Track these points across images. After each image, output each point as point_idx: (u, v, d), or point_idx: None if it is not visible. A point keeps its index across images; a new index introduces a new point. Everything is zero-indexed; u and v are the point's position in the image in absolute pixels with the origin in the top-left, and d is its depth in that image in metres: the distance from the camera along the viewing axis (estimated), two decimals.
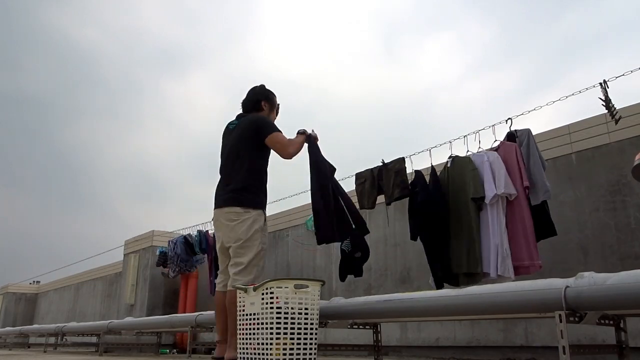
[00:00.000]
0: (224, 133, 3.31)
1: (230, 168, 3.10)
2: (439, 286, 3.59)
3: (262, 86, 3.36)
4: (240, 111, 3.36)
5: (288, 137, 3.20)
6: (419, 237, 3.78)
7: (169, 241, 7.26)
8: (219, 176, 3.24)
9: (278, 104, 3.42)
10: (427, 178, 3.85)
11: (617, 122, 3.09)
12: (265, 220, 3.11)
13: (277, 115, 3.42)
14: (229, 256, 3.08)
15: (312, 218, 3.53)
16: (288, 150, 3.12)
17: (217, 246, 3.19)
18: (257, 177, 3.11)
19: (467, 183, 3.51)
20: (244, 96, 3.33)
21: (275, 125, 3.15)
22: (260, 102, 3.27)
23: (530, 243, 3.25)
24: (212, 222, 3.19)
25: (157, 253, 7.39)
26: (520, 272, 3.25)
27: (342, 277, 4.17)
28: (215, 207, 3.13)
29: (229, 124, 3.29)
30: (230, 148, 3.14)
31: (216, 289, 3.21)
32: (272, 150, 3.18)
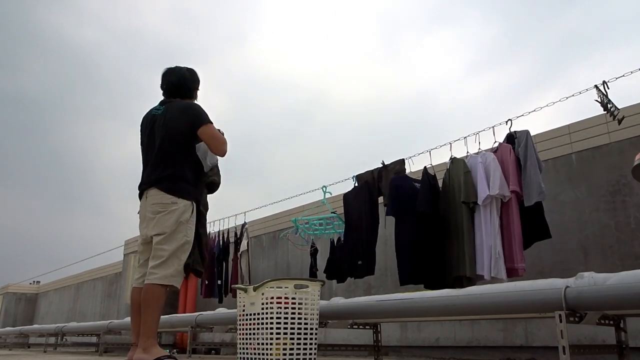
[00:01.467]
0: (146, 120, 2.99)
1: (158, 159, 2.82)
2: (406, 283, 3.62)
3: (194, 71, 3.08)
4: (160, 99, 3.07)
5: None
6: (395, 239, 3.77)
7: None
8: (143, 168, 2.94)
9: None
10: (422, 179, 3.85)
11: (620, 122, 3.08)
12: (193, 211, 2.83)
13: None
14: (150, 250, 2.82)
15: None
16: (223, 148, 2.90)
17: (140, 239, 2.93)
18: (193, 168, 2.90)
19: (460, 186, 3.53)
20: (168, 76, 3.00)
21: (208, 116, 2.89)
22: (192, 90, 3.04)
23: (520, 245, 3.26)
24: (138, 213, 2.92)
25: None
26: (513, 274, 3.25)
27: (330, 276, 4.26)
28: (140, 197, 2.89)
29: (153, 109, 2.99)
30: (158, 137, 2.84)
31: (134, 285, 2.87)
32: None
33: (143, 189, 2.85)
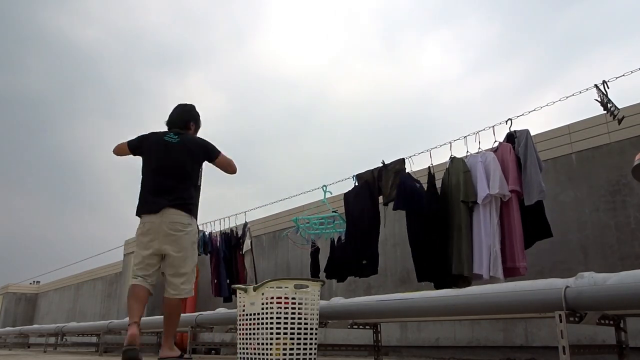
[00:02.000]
0: (157, 143, 3.35)
1: (176, 182, 3.23)
2: (422, 280, 3.64)
3: (193, 107, 3.59)
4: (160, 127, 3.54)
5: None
6: (409, 240, 3.81)
7: None
8: (150, 183, 3.28)
9: (200, 125, 3.67)
10: (427, 179, 3.86)
11: (620, 122, 3.08)
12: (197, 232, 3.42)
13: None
14: (159, 262, 3.23)
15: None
16: (234, 168, 3.49)
17: (148, 252, 3.20)
18: (198, 194, 3.39)
19: (459, 185, 3.53)
20: (172, 111, 3.51)
21: (217, 147, 3.46)
22: (189, 122, 3.50)
23: (521, 244, 3.26)
24: (145, 226, 3.21)
25: None
26: (513, 273, 3.26)
27: (330, 276, 4.27)
28: (155, 212, 3.16)
29: (165, 136, 3.37)
30: (177, 164, 3.27)
31: (138, 282, 3.17)
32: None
33: (162, 206, 3.16)
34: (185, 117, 3.49)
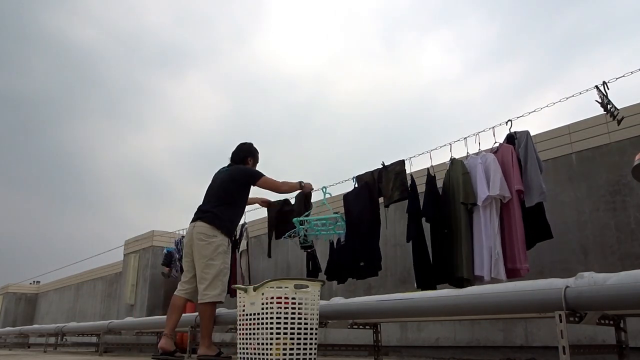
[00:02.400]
0: (215, 174, 4.01)
1: (214, 198, 3.78)
2: (422, 288, 3.62)
3: (251, 145, 4.09)
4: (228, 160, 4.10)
5: (278, 179, 3.96)
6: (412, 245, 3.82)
7: (175, 241, 7.24)
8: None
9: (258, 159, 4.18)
10: (426, 180, 3.86)
11: (619, 122, 3.08)
12: (229, 245, 3.73)
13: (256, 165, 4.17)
14: (194, 267, 3.69)
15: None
16: (284, 188, 3.95)
17: (185, 258, 3.80)
18: (232, 210, 3.79)
19: (459, 187, 3.53)
20: (234, 149, 4.06)
21: (260, 172, 3.91)
22: (246, 158, 4.02)
23: (522, 246, 3.26)
24: (186, 235, 3.82)
25: (164, 252, 7.38)
26: (515, 274, 3.25)
27: (330, 277, 4.26)
28: (191, 222, 3.76)
29: (222, 168, 4.03)
30: (219, 185, 3.84)
31: (176, 292, 3.79)
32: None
33: (194, 218, 3.74)
34: (241, 155, 4.02)
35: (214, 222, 3.65)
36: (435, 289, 3.59)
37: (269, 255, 5.48)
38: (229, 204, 3.77)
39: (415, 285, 3.71)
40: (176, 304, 3.77)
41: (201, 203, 3.87)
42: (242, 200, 3.91)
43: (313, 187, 4.26)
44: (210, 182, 3.98)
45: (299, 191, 4.23)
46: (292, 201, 4.86)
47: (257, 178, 3.87)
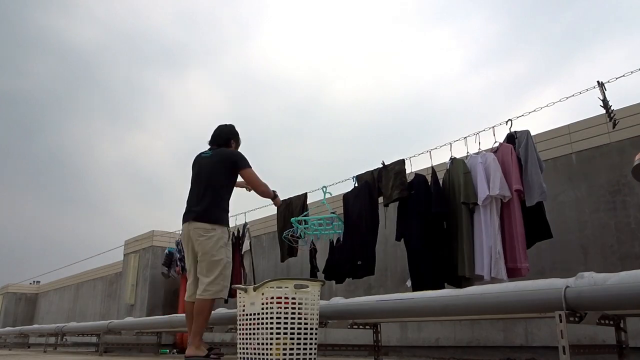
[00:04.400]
0: (195, 160, 3.78)
1: (204, 189, 3.56)
2: (416, 289, 3.61)
3: (232, 126, 3.89)
4: (207, 145, 3.86)
5: (260, 178, 3.76)
6: (402, 240, 3.83)
7: (176, 241, 7.25)
8: (188, 197, 3.69)
9: (240, 142, 3.98)
10: (428, 179, 3.86)
11: (614, 125, 3.10)
12: (229, 237, 3.56)
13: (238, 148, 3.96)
14: (196, 268, 3.53)
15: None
16: (260, 189, 3.77)
17: (187, 257, 3.61)
18: (224, 198, 3.61)
19: (460, 186, 3.53)
20: (214, 131, 3.84)
21: (248, 162, 3.70)
22: (230, 140, 3.81)
23: (522, 245, 3.26)
24: (182, 235, 3.63)
25: (166, 252, 7.38)
26: (515, 274, 3.25)
27: (328, 277, 4.27)
28: (184, 222, 3.57)
29: (201, 153, 3.77)
30: (205, 173, 3.61)
31: (186, 298, 3.61)
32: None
33: (188, 217, 3.54)
34: (224, 137, 3.79)
35: (210, 218, 3.47)
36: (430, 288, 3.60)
37: (283, 259, 5.26)
38: (220, 193, 3.57)
39: (411, 288, 3.70)
40: (190, 310, 3.56)
41: (189, 196, 3.66)
42: (232, 186, 3.71)
43: (281, 204, 4.23)
44: (193, 171, 3.75)
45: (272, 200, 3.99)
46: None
47: (244, 165, 3.67)
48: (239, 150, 3.91)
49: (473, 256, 3.40)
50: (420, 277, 3.66)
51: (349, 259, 4.15)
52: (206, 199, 3.52)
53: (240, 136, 3.95)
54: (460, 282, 3.46)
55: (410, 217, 3.79)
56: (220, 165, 3.62)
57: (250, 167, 3.68)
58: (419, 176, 3.91)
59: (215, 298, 3.42)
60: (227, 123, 3.92)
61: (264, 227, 6.74)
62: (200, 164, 3.70)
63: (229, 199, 3.66)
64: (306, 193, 5.01)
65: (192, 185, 3.69)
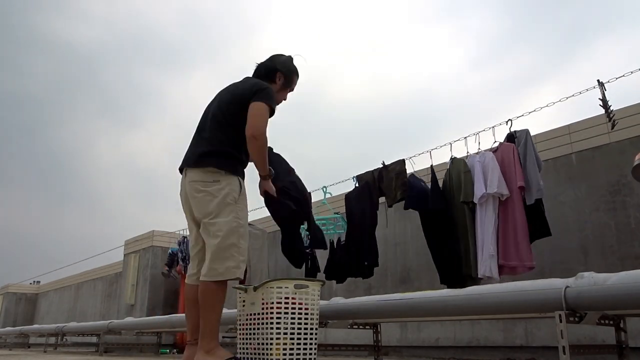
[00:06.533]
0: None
1: (208, 124, 2.51)
2: (446, 283, 3.62)
3: (291, 58, 2.74)
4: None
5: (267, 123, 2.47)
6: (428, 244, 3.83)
7: (178, 241, 7.24)
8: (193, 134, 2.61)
9: (292, 88, 2.78)
10: (428, 178, 3.87)
11: (613, 126, 3.10)
12: (242, 187, 2.47)
13: (284, 99, 2.79)
14: (199, 236, 2.46)
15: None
16: (251, 132, 2.39)
17: (191, 230, 2.56)
18: (237, 134, 2.45)
19: (460, 185, 3.54)
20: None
21: (271, 97, 2.48)
22: (275, 72, 2.67)
23: (522, 243, 3.26)
24: (180, 190, 2.56)
25: (169, 252, 7.37)
26: (509, 272, 3.25)
27: (329, 277, 4.27)
28: (180, 171, 2.55)
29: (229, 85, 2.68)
30: (215, 107, 2.54)
31: (186, 280, 2.57)
32: None
33: (184, 164, 2.51)
34: (270, 65, 2.67)
35: (211, 161, 2.39)
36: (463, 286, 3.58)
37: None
38: (226, 132, 2.45)
39: (440, 280, 3.68)
40: (190, 297, 2.49)
41: (191, 140, 2.58)
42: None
43: (274, 195, 2.79)
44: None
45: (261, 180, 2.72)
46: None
47: (260, 98, 2.42)
48: (287, 93, 2.76)
49: (476, 255, 3.39)
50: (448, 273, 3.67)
51: (354, 260, 4.14)
52: (208, 135, 2.47)
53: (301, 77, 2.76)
54: (465, 281, 3.45)
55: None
56: (235, 95, 2.52)
57: (267, 102, 2.43)
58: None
59: (226, 280, 2.33)
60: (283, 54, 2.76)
61: (264, 227, 6.73)
62: (215, 97, 2.63)
63: (242, 143, 2.46)
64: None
65: (199, 123, 2.62)
